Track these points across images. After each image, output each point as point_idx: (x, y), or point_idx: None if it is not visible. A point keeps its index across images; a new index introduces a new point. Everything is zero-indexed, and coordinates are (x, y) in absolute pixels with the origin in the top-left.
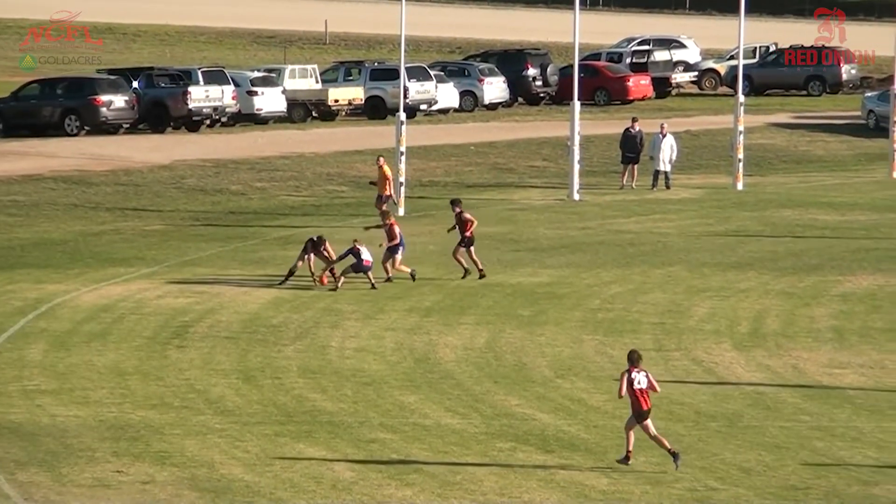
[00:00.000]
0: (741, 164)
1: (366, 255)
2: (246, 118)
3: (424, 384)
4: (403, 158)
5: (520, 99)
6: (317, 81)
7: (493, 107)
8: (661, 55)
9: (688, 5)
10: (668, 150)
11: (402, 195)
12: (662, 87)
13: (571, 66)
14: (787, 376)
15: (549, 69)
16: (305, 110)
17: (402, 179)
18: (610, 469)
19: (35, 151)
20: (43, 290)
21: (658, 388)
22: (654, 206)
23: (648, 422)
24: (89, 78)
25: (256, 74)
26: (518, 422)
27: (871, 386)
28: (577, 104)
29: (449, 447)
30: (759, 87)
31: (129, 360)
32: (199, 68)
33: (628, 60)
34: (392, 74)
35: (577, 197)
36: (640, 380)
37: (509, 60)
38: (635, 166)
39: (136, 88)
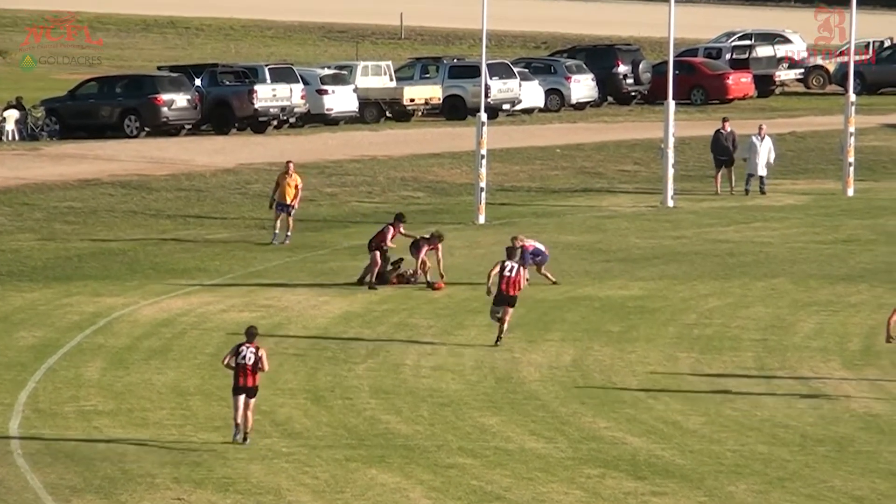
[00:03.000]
0: (852, 169)
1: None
2: (315, 119)
3: (507, 405)
4: (484, 162)
5: (609, 98)
6: (391, 79)
7: (580, 106)
8: (763, 51)
9: None
10: (765, 154)
11: (483, 202)
12: (765, 85)
13: (665, 62)
14: None
15: (641, 66)
16: (379, 110)
17: (482, 185)
18: (707, 497)
19: (93, 154)
20: (101, 303)
21: (266, 367)
22: (755, 213)
23: (249, 399)
24: (150, 76)
25: (327, 72)
26: (607, 446)
27: None
28: (671, 104)
29: (533, 473)
30: (872, 85)
31: (191, 378)
32: (266, 65)
33: (728, 56)
34: (472, 72)
35: (671, 203)
36: (247, 355)
37: (598, 56)
38: (731, 169)
39: (198, 87)
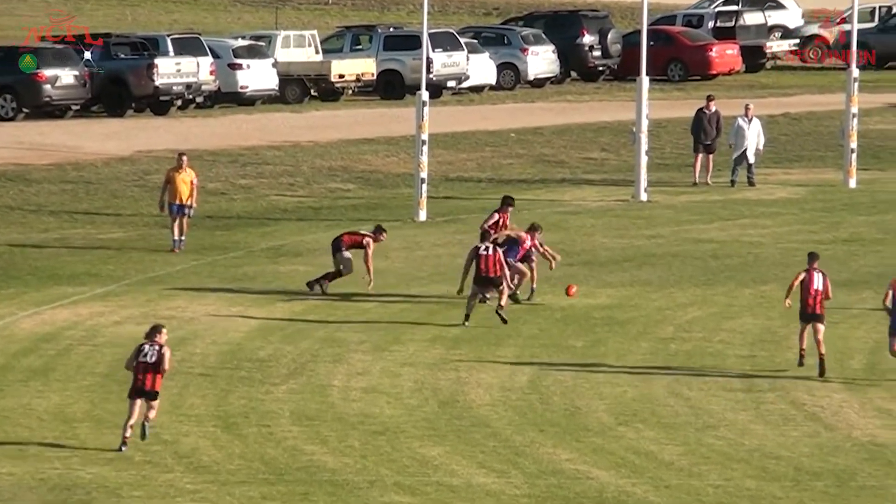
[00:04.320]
0: (854, 156)
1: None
2: (227, 98)
3: (451, 433)
4: (426, 149)
5: (573, 73)
6: (317, 51)
7: (539, 83)
8: (752, 18)
9: None
10: (754, 139)
11: (424, 195)
12: (754, 58)
13: (638, 31)
14: None
15: (609, 36)
16: (302, 88)
17: (423, 175)
18: None
19: None
20: None
21: (167, 367)
22: (742, 208)
23: (154, 403)
24: (29, 48)
25: (240, 43)
26: (569, 481)
27: None
28: (644, 80)
29: None
30: (879, 58)
31: (78, 403)
32: (169, 35)
33: (711, 24)
34: (412, 43)
35: (644, 197)
36: (149, 353)
37: (560, 25)
38: (711, 157)
39: (88, 61)
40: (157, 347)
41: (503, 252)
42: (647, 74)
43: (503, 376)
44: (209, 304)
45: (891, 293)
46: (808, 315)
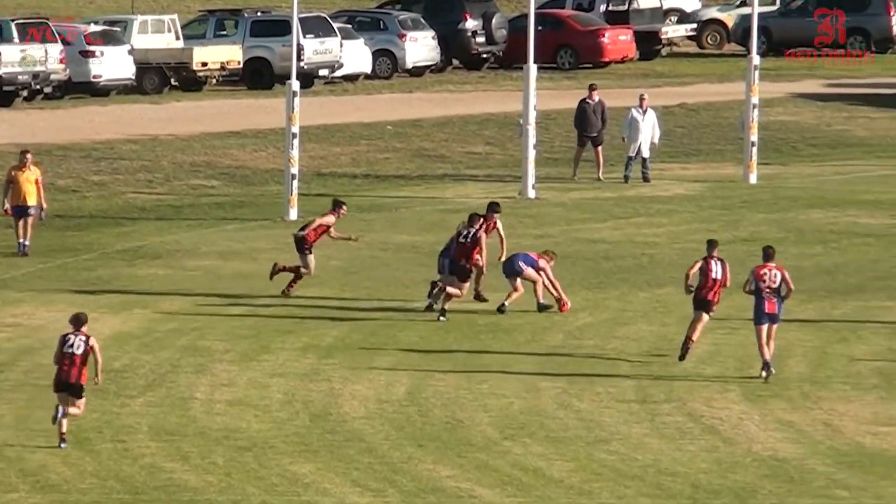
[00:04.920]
0: (755, 150)
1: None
2: (79, 88)
3: (323, 449)
4: (296, 142)
5: (455, 61)
6: (177, 37)
7: (418, 72)
8: (647, 1)
9: None
10: (648, 131)
11: (295, 192)
12: (649, 44)
13: (525, 15)
14: (817, 437)
15: (494, 20)
16: (161, 77)
17: (294, 171)
18: None
19: None
20: None
21: (101, 360)
22: (636, 205)
23: (78, 401)
24: None
25: (94, 28)
26: (451, 499)
27: None
28: (532, 68)
29: None
30: (780, 44)
31: None
32: (13, 19)
33: (603, 8)
34: (281, 28)
35: (532, 194)
36: (76, 343)
37: (440, 8)
38: (599, 149)
39: None
40: (83, 338)
41: (518, 263)
42: (535, 62)
43: (379, 387)
44: (59, 311)
45: (753, 280)
46: (701, 302)
